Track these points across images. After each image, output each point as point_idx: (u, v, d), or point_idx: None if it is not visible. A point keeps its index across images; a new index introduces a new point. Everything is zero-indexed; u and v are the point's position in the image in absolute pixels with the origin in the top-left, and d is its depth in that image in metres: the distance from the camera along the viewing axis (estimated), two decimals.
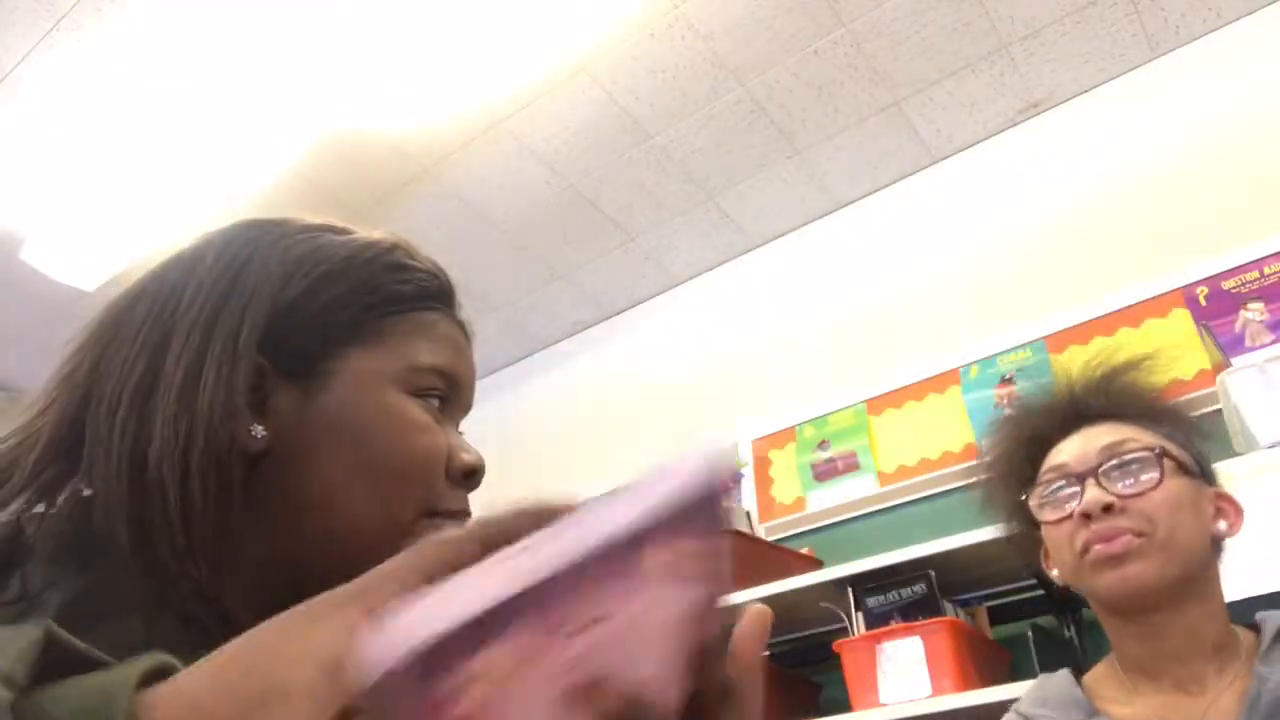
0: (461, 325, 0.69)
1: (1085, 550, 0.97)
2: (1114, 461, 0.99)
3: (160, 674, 0.29)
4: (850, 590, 2.04)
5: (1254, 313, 2.15)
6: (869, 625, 1.98)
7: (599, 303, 3.41)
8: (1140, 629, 0.99)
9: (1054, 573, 1.08)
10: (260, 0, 2.16)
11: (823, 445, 2.70)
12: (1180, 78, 2.52)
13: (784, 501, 2.70)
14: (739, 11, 2.36)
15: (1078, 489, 1.00)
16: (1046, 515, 1.03)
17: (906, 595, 1.97)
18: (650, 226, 3.07)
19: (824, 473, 2.66)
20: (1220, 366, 1.92)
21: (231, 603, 0.56)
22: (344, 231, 0.66)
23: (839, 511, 2.59)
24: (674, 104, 2.62)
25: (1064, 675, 1.08)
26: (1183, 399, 2.09)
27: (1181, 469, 1.00)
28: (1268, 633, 0.98)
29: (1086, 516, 0.97)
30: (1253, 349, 2.06)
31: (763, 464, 2.80)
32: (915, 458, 2.51)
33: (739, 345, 3.07)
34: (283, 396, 0.59)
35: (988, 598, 2.06)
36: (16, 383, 3.48)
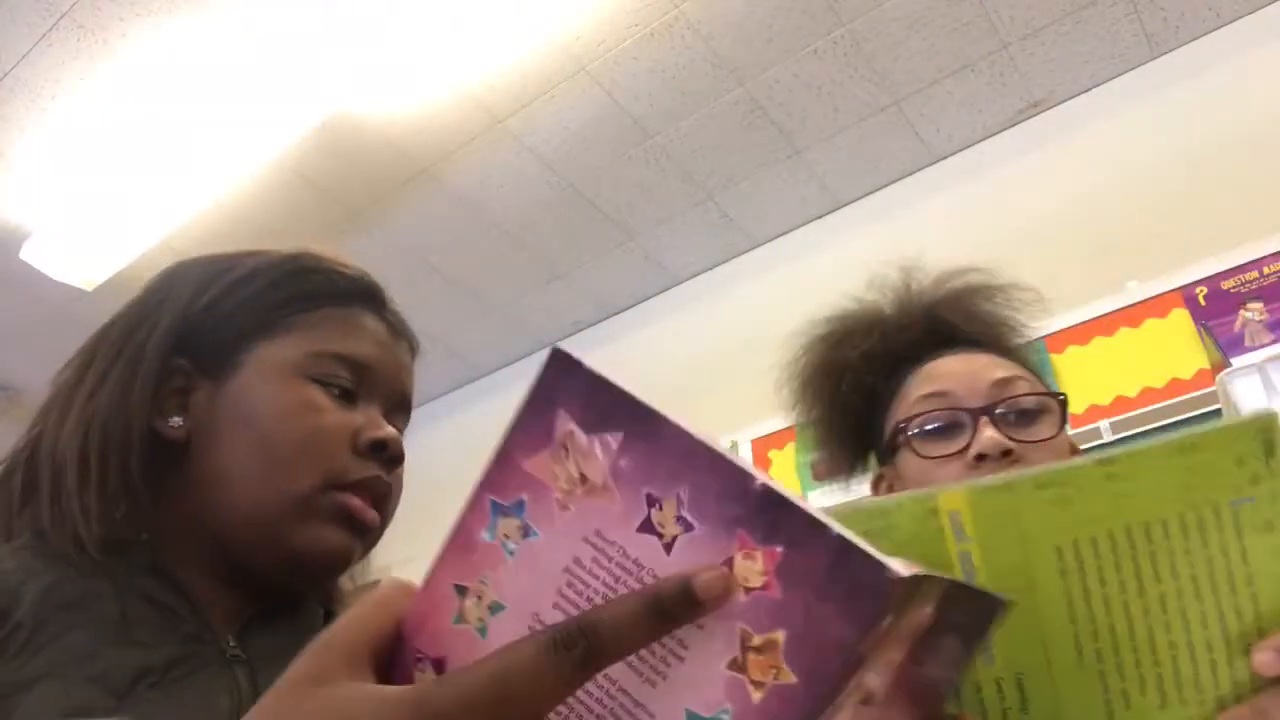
0: (389, 322, 0.75)
1: None
2: (1008, 403, 0.90)
3: None
4: None
5: (1253, 313, 2.15)
6: None
7: (599, 302, 3.41)
8: None
9: None
10: (261, 0, 2.16)
11: None
12: (1180, 78, 2.51)
13: None
14: (739, 11, 2.36)
15: (967, 425, 0.90)
16: (929, 449, 0.92)
17: None
18: (650, 226, 3.07)
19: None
20: (1220, 366, 1.92)
21: (183, 572, 0.65)
22: (265, 254, 0.74)
23: None
24: (674, 104, 2.62)
25: None
26: (1182, 399, 2.12)
27: (1063, 421, 0.92)
28: None
29: (981, 458, 0.86)
30: (1252, 349, 2.06)
31: (763, 464, 2.80)
32: None
33: (739, 345, 3.06)
34: (202, 392, 0.68)
35: None
36: (16, 383, 3.48)
